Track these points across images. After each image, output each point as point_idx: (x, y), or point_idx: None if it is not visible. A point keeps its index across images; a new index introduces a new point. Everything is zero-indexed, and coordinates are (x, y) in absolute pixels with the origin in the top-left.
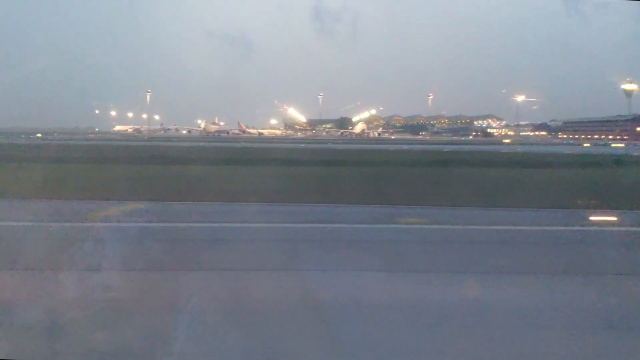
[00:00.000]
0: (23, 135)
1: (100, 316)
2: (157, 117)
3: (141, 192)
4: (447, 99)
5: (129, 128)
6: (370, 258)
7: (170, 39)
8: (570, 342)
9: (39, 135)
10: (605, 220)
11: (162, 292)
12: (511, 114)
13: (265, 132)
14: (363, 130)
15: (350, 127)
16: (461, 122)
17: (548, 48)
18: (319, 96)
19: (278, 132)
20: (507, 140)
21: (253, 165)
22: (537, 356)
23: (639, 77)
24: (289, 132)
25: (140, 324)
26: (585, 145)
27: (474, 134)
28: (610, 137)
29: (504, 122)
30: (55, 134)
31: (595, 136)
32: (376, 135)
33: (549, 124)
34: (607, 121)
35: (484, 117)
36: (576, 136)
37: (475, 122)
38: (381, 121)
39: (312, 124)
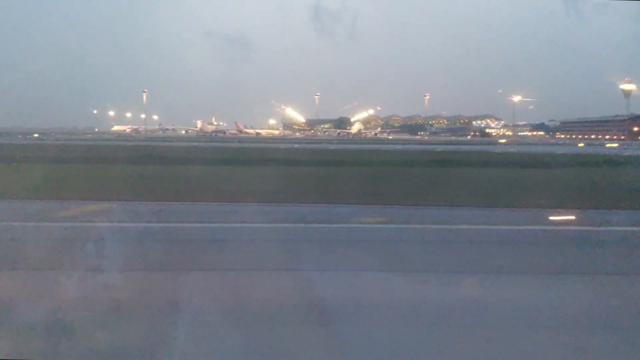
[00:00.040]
0: (20, 136)
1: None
2: (155, 117)
3: (122, 192)
4: (446, 99)
5: (127, 128)
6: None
7: (169, 39)
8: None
9: (36, 135)
10: (557, 220)
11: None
12: (510, 114)
13: (263, 132)
14: (359, 131)
15: (348, 127)
16: (460, 122)
17: (547, 48)
18: (316, 96)
19: (276, 132)
20: (503, 141)
21: (237, 165)
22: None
23: (638, 77)
24: (288, 132)
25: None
26: (579, 145)
27: (472, 134)
28: (607, 137)
29: (503, 122)
30: (53, 134)
31: (592, 136)
32: (373, 135)
33: (547, 124)
34: (604, 121)
35: (483, 117)
36: (573, 136)
37: (473, 122)
38: (379, 121)
39: (311, 124)
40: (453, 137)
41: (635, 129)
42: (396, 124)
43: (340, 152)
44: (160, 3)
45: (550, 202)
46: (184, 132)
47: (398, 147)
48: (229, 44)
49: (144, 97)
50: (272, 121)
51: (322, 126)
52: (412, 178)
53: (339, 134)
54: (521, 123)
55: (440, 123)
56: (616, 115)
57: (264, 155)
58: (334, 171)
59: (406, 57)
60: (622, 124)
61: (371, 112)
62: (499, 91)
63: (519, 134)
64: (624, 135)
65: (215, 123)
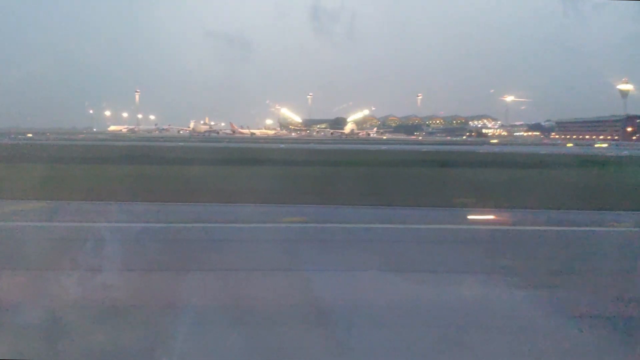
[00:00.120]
0: (12, 135)
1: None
2: (152, 117)
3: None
4: (443, 99)
5: (123, 128)
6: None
7: (168, 39)
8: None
9: (30, 135)
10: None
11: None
12: (506, 114)
13: (258, 132)
14: (352, 131)
15: (343, 128)
16: (456, 123)
17: (546, 48)
18: (309, 96)
19: (271, 132)
20: (495, 141)
21: (217, 165)
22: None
23: (637, 77)
24: (283, 132)
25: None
26: (568, 145)
27: (467, 134)
28: (602, 137)
29: (499, 122)
30: (48, 134)
31: (587, 136)
32: (367, 135)
33: (542, 124)
34: (599, 121)
35: (479, 118)
36: (568, 136)
37: (470, 123)
38: (376, 121)
39: (307, 124)
40: (448, 138)
41: (630, 129)
42: (393, 124)
43: (326, 152)
44: (159, 3)
45: (485, 202)
46: (178, 132)
47: (384, 147)
48: (227, 43)
49: (137, 96)
50: (269, 121)
51: (318, 126)
52: (383, 177)
53: (332, 134)
54: (518, 123)
55: (437, 123)
56: (612, 116)
57: (245, 155)
58: (311, 171)
59: (404, 57)
60: (616, 124)
61: (367, 112)
62: (491, 91)
63: (514, 134)
64: (618, 135)
65: (208, 123)
